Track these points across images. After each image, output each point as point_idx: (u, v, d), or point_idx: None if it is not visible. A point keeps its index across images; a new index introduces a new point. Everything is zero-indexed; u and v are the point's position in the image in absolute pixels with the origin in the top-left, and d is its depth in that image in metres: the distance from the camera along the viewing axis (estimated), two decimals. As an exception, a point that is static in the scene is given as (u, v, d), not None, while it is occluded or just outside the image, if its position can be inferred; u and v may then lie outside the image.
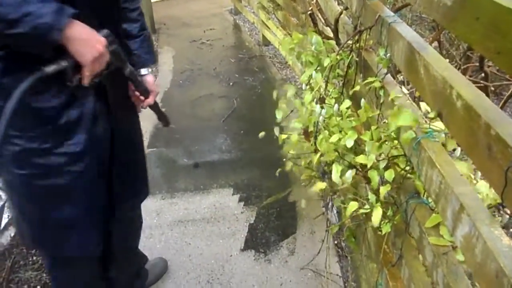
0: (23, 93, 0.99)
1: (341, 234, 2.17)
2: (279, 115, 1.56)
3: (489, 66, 2.12)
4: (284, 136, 1.56)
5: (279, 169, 1.75)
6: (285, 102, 1.59)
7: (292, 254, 2.09)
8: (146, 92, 1.42)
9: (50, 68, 1.04)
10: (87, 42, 1.07)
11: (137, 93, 1.41)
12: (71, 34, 1.02)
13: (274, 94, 1.71)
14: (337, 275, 1.96)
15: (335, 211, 2.24)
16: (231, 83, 4.10)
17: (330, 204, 1.86)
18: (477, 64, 1.83)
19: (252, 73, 4.30)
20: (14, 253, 2.12)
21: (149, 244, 2.15)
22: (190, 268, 2.02)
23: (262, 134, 1.67)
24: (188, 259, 2.07)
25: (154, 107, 1.53)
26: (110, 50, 1.15)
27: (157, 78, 4.16)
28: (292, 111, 1.54)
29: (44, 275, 2.02)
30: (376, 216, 1.06)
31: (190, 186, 2.62)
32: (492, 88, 2.52)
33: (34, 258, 2.10)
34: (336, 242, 2.16)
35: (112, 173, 1.39)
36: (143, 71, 1.46)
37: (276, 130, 1.54)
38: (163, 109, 1.62)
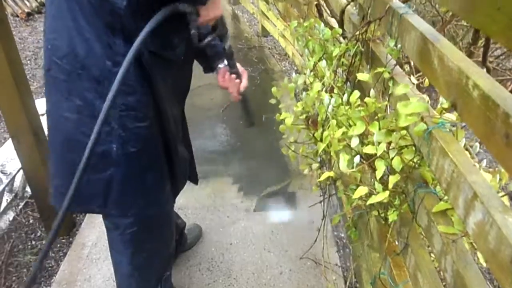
0: (159, 21, 0.96)
1: (340, 224, 2.19)
2: (277, 94, 1.57)
3: (491, 62, 2.14)
4: (283, 116, 1.56)
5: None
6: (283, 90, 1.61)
7: (291, 244, 2.11)
8: (239, 74, 1.32)
9: (183, 6, 1.02)
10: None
11: (232, 75, 1.31)
12: None
13: (274, 88, 1.71)
14: (336, 264, 1.98)
15: (333, 202, 2.26)
16: (230, 73, 4.08)
17: (329, 194, 1.87)
18: (480, 59, 1.85)
19: (251, 64, 4.28)
20: (13, 237, 2.12)
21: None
22: (190, 255, 2.03)
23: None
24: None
25: (244, 100, 1.38)
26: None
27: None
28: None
29: (44, 259, 2.02)
30: (381, 197, 1.07)
31: (189, 175, 2.62)
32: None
33: (33, 242, 2.10)
34: (335, 232, 2.18)
35: None
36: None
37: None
38: None
